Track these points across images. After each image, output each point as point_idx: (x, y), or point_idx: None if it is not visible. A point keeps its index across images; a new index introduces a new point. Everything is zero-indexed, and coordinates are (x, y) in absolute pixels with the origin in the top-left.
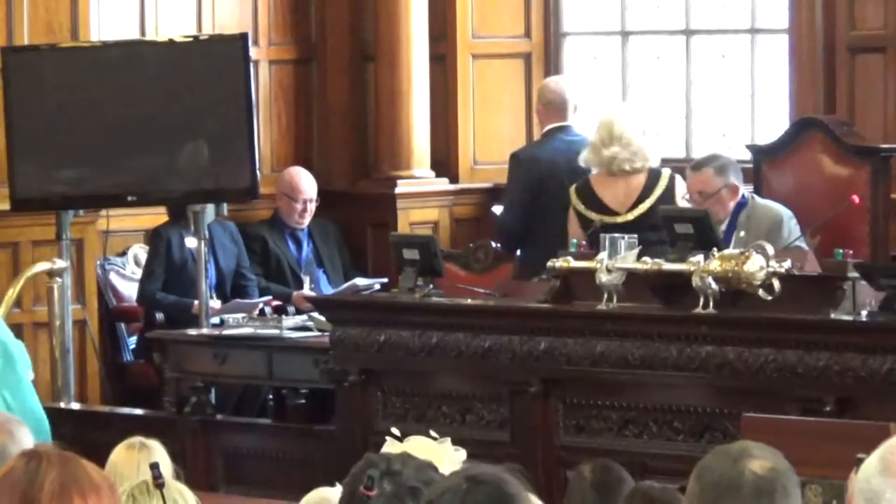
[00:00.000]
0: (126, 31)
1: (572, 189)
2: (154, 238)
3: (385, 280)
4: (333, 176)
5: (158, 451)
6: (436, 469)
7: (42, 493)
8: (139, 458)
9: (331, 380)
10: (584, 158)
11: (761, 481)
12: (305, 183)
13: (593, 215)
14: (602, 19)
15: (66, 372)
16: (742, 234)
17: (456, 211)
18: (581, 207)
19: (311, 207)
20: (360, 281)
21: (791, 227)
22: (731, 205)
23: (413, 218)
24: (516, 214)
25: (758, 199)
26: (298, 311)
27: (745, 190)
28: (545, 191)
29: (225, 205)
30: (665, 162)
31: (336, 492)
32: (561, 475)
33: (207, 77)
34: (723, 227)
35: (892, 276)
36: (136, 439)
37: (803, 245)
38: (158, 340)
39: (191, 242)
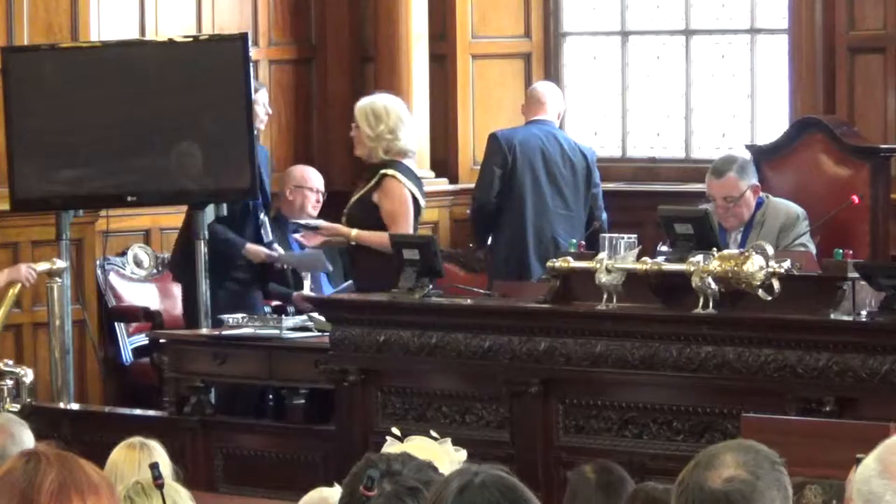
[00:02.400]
0: (126, 31)
1: (397, 174)
2: None
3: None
4: (333, 176)
5: (158, 451)
6: (436, 469)
7: (41, 493)
8: (139, 458)
9: (330, 380)
10: (406, 142)
11: (730, 494)
12: (316, 174)
13: (422, 201)
14: (602, 19)
15: (66, 372)
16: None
17: (456, 211)
18: (417, 193)
19: (322, 198)
20: None
21: (803, 226)
22: (754, 205)
23: None
24: (487, 189)
25: (773, 198)
26: (298, 311)
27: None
28: (515, 169)
29: (225, 205)
30: (665, 162)
31: (335, 492)
32: (560, 475)
33: (207, 77)
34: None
35: (892, 276)
36: (136, 439)
37: (809, 244)
38: (158, 340)
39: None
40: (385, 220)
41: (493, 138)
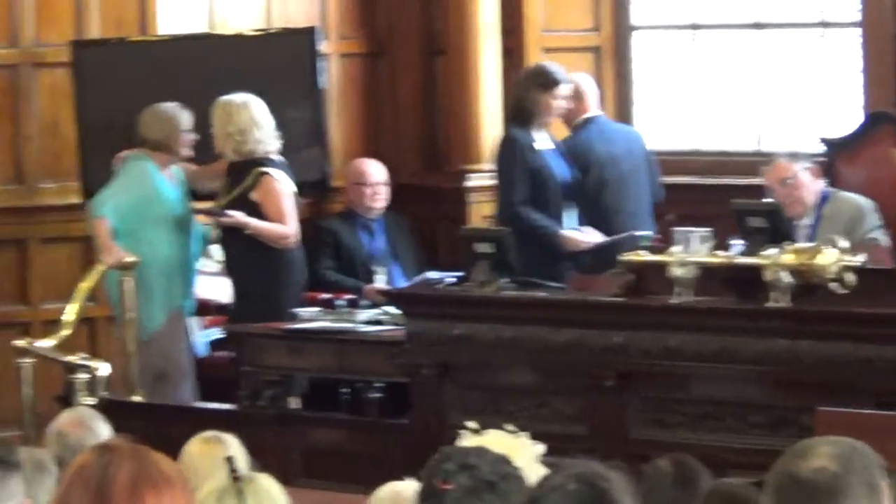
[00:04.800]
0: (194, 24)
1: (272, 171)
2: (506, 143)
3: (459, 274)
4: (404, 170)
5: (233, 445)
6: (510, 463)
7: (115, 487)
8: (214, 452)
9: (405, 373)
10: (258, 145)
11: (815, 483)
12: (372, 167)
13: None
14: (672, 13)
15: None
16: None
17: None
18: (293, 186)
19: (383, 191)
20: (433, 275)
21: (872, 218)
22: (816, 188)
23: (484, 211)
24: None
25: (840, 191)
26: (373, 305)
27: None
28: (599, 175)
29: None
30: (736, 155)
31: (408, 486)
32: (636, 470)
33: (276, 71)
34: (808, 220)
35: None
36: (211, 433)
37: (882, 237)
38: (234, 334)
39: (542, 143)
40: (273, 217)
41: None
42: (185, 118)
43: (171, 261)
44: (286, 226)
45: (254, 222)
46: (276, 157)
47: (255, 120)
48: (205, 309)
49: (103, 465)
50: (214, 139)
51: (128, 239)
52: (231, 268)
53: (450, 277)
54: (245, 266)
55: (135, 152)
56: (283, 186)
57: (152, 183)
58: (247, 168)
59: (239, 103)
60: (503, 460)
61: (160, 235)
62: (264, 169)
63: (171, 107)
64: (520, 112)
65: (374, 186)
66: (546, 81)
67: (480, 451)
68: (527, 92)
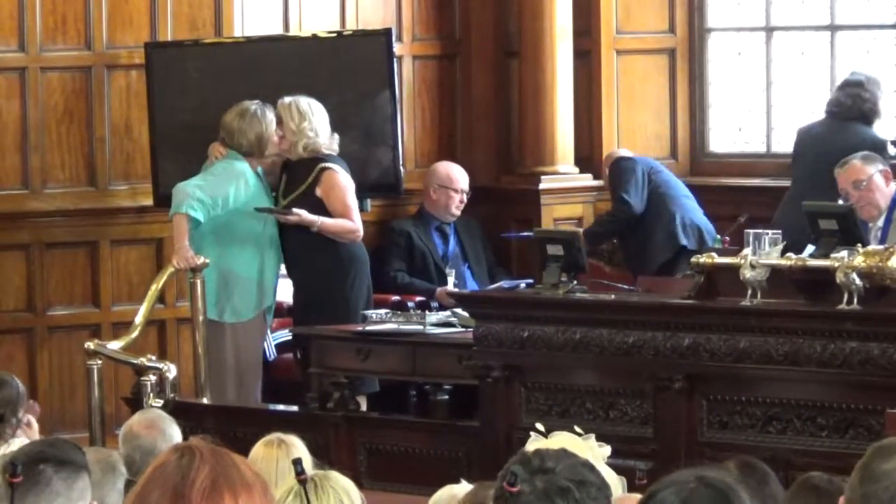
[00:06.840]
0: (269, 26)
1: (334, 166)
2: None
3: (531, 281)
4: (477, 172)
5: (297, 447)
6: (592, 468)
7: (193, 489)
8: (277, 454)
9: (474, 375)
10: (325, 143)
11: None
12: (461, 174)
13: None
14: (746, 15)
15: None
16: None
17: (600, 206)
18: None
19: (465, 199)
20: (507, 283)
21: None
22: (889, 191)
23: (557, 214)
24: (641, 196)
25: None
26: (442, 307)
27: None
28: (650, 170)
29: (368, 200)
30: None
31: (465, 488)
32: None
33: (351, 72)
34: (880, 222)
35: None
36: (274, 436)
37: None
38: (301, 336)
39: None
40: (337, 212)
41: (626, 160)
42: (271, 118)
43: (260, 259)
44: (351, 220)
45: (320, 220)
46: (335, 154)
47: (324, 121)
48: (275, 311)
49: (182, 465)
50: (282, 137)
51: (215, 236)
52: (294, 269)
53: (523, 284)
54: (311, 267)
55: (229, 151)
56: (345, 180)
57: (244, 182)
58: (306, 165)
59: (310, 103)
60: (584, 466)
61: (249, 234)
62: (327, 164)
63: (258, 108)
64: (872, 115)
65: (461, 193)
66: (882, 87)
67: (559, 455)
68: (875, 96)
